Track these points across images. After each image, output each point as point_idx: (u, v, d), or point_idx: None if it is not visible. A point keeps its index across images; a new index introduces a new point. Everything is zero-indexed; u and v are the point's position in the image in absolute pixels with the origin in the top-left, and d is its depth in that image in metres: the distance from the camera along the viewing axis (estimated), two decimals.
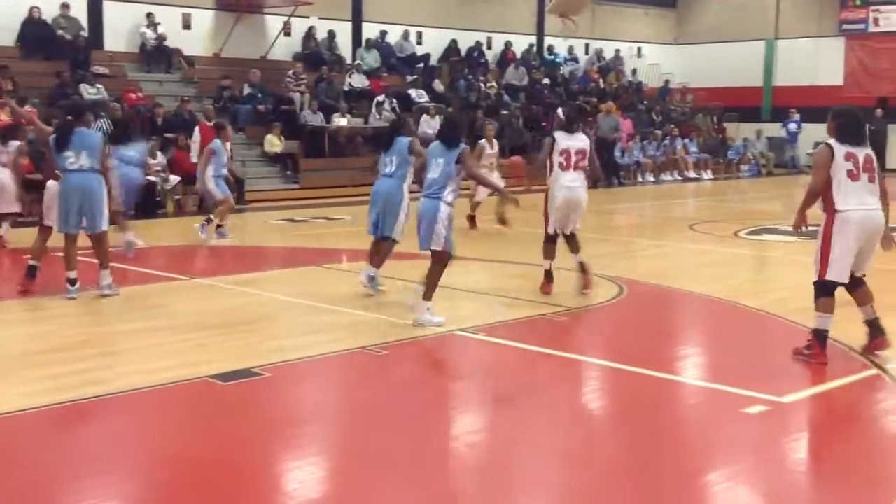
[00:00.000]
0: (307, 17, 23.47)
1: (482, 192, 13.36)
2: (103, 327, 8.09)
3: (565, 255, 9.14)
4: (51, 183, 9.38)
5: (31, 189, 12.42)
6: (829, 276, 6.55)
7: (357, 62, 23.91)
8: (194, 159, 17.02)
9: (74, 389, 6.00)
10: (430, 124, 22.77)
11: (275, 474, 4.89)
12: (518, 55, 27.93)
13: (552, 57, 29.25)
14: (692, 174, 26.28)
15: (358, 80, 23.22)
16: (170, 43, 21.14)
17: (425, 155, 8.24)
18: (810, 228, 6.83)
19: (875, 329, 6.76)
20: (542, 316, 8.33)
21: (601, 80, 29.13)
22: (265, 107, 20.82)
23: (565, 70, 28.94)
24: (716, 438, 5.49)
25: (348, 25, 24.88)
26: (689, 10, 33.31)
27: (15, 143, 12.28)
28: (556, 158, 8.79)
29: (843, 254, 6.49)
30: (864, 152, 6.62)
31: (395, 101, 22.84)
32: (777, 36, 31.30)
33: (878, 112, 27.11)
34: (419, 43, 26.37)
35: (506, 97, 25.63)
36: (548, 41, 29.33)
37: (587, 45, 30.69)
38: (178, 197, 17.27)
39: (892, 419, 5.72)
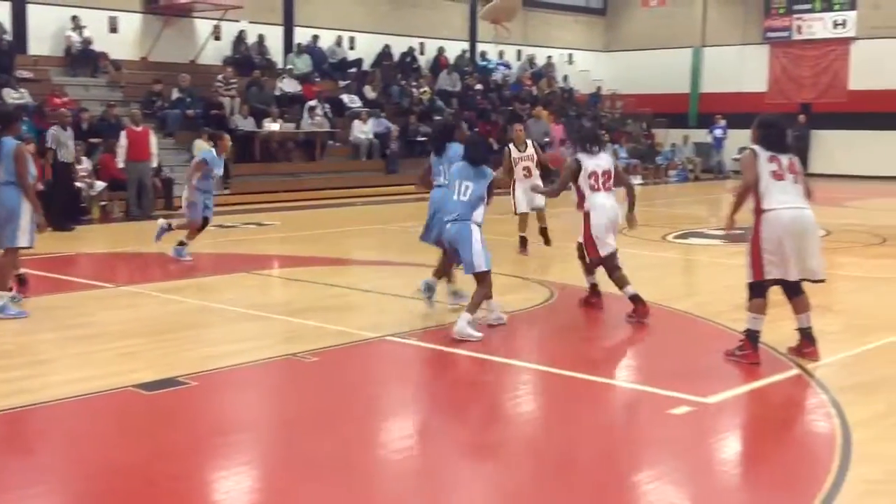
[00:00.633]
0: (237, 21, 23.25)
1: (539, 199, 12.02)
2: (28, 336, 7.88)
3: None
4: None
5: None
6: (760, 276, 6.63)
7: (289, 67, 23.75)
8: (121, 165, 16.77)
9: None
10: (360, 129, 22.74)
11: (201, 485, 4.82)
12: (451, 61, 28.02)
13: (485, 63, 29.41)
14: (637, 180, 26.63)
15: (289, 85, 23.07)
16: (96, 47, 20.76)
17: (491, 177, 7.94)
18: (740, 230, 6.95)
19: (807, 338, 6.81)
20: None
21: (534, 87, 29.39)
22: (194, 112, 20.56)
23: (498, 76, 29.13)
24: (643, 439, 5.56)
25: (280, 30, 24.71)
26: (618, 18, 33.78)
27: None
28: (585, 182, 8.32)
29: (772, 254, 6.56)
30: (787, 157, 6.74)
31: (327, 106, 22.75)
32: (703, 44, 31.89)
33: (801, 118, 27.79)
34: (352, 48, 26.30)
35: (439, 102, 25.70)
36: (480, 47, 29.48)
37: (519, 52, 30.94)
38: (103, 203, 16.96)
39: (812, 418, 5.85)
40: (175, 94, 20.73)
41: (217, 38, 23.23)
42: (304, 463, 4.99)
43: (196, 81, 21.27)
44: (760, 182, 6.63)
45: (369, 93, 24.64)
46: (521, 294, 9.44)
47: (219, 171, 11.92)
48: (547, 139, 24.41)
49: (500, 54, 29.89)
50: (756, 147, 6.75)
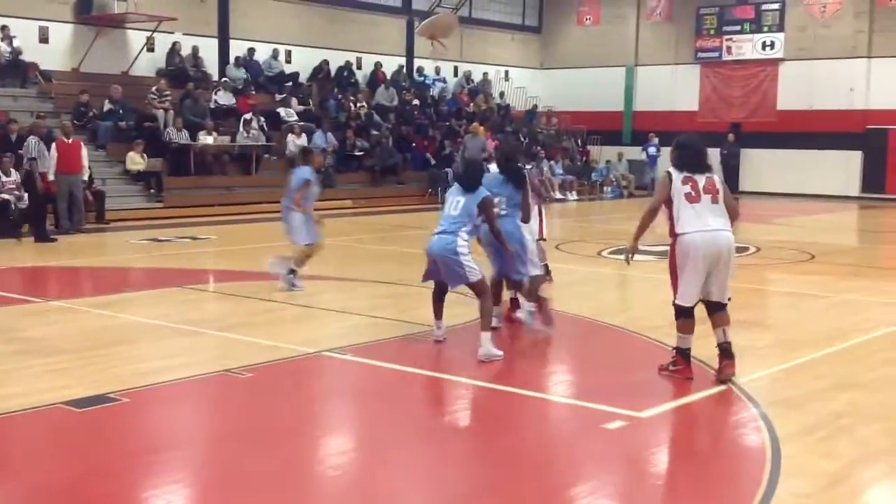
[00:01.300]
0: (171, 33, 22.97)
1: None
2: None
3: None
4: None
5: None
6: (678, 300, 6.70)
7: (224, 79, 23.54)
8: (51, 177, 16.42)
9: None
10: (295, 143, 22.62)
11: (133, 503, 4.73)
12: (388, 76, 28.05)
13: (422, 78, 29.50)
14: (558, 195, 26.87)
15: (224, 98, 22.87)
16: (26, 57, 20.35)
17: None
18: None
19: (725, 354, 6.76)
20: (409, 336, 8.34)
21: (471, 103, 29.56)
22: (126, 123, 20.26)
23: (434, 91, 29.24)
24: (577, 453, 5.61)
25: (214, 42, 24.48)
26: (554, 36, 34.16)
27: None
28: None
29: (689, 277, 6.59)
30: (704, 177, 6.67)
31: (262, 119, 22.60)
32: (637, 63, 32.41)
33: (731, 137, 28.38)
34: (288, 61, 26.17)
35: (376, 117, 25.69)
36: (417, 62, 29.57)
37: (456, 68, 31.10)
38: None
39: (743, 432, 5.95)
40: (107, 106, 20.41)
41: (150, 50, 22.93)
42: (239, 480, 4.93)
43: (129, 93, 20.98)
44: (674, 205, 6.64)
45: (296, 107, 24.34)
46: (456, 309, 9.45)
47: (317, 188, 10.98)
48: (483, 154, 24.60)
49: (437, 70, 30.02)
50: (671, 169, 6.75)
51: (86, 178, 17.05)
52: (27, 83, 20.37)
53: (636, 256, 7.05)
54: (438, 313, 8.01)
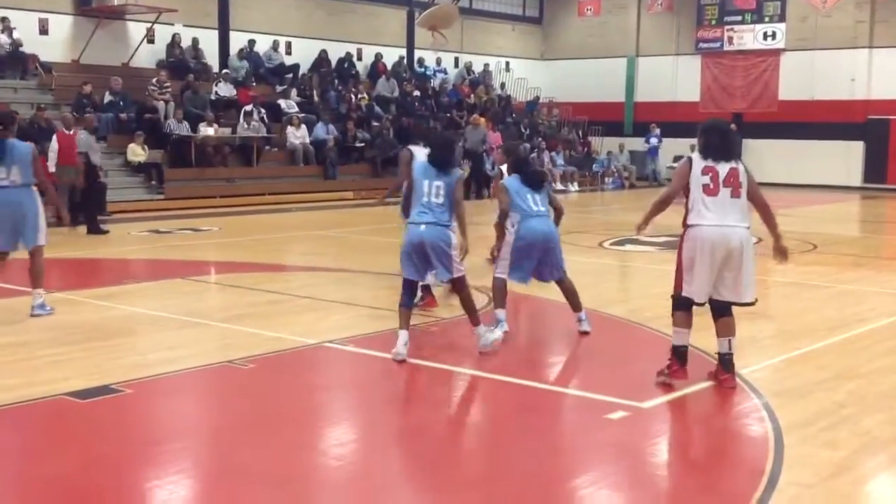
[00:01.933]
0: (171, 25, 22.95)
1: None
2: None
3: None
4: None
5: None
6: (683, 293, 6.38)
7: (225, 71, 23.51)
8: (52, 169, 16.39)
9: None
10: (295, 135, 22.60)
11: (135, 495, 4.73)
12: (388, 67, 27.99)
13: (423, 69, 29.45)
14: (559, 186, 26.83)
15: (225, 90, 22.84)
16: (26, 49, 20.34)
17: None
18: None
19: (725, 366, 6.45)
20: (412, 326, 8.32)
21: (471, 94, 29.51)
22: (127, 115, 20.24)
23: (435, 82, 29.19)
24: (579, 444, 5.62)
25: (214, 33, 24.44)
26: (555, 27, 34.10)
27: None
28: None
29: (696, 271, 6.27)
30: (727, 167, 6.27)
31: (263, 110, 22.58)
32: (638, 53, 32.36)
33: (732, 127, 28.29)
34: (288, 53, 26.13)
35: (377, 108, 25.65)
36: (418, 54, 29.52)
37: (456, 59, 31.05)
38: None
39: (746, 422, 5.95)
40: (107, 98, 20.39)
41: (151, 42, 22.91)
42: (241, 472, 4.93)
43: (129, 85, 20.96)
44: (690, 196, 6.32)
45: (295, 99, 24.31)
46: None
47: None
48: (484, 146, 24.59)
49: (438, 61, 29.97)
50: (694, 155, 6.42)
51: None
52: (27, 75, 20.37)
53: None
54: (406, 321, 7.19)
